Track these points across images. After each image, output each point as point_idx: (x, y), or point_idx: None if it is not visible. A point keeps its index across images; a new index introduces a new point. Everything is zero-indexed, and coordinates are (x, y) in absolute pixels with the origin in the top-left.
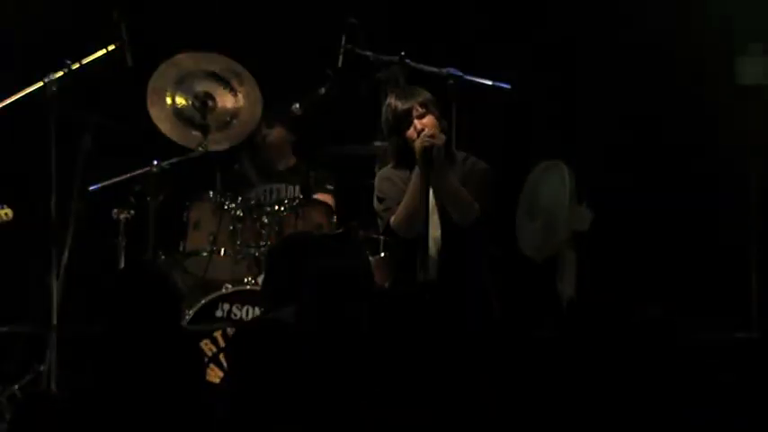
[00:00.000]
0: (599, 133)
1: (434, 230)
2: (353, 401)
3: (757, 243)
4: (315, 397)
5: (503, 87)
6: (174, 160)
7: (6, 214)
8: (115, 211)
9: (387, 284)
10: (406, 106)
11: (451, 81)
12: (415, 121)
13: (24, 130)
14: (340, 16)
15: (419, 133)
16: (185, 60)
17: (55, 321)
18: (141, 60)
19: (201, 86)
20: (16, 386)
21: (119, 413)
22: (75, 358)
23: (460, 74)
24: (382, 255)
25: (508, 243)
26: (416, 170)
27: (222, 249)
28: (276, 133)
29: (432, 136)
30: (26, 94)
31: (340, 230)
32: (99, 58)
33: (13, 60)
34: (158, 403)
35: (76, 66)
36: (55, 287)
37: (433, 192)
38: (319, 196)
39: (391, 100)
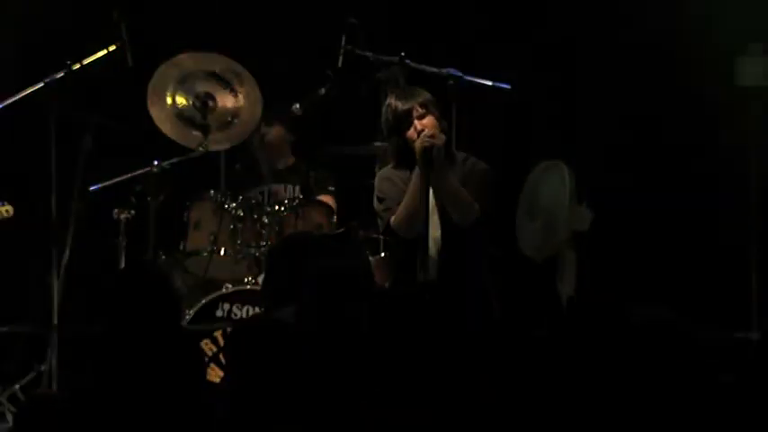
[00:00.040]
0: (599, 133)
1: (434, 230)
2: (353, 401)
3: (757, 243)
4: (315, 397)
5: (503, 87)
6: (174, 160)
7: (7, 211)
8: (116, 211)
9: (387, 284)
10: (406, 107)
11: (451, 81)
12: (416, 122)
13: (25, 131)
14: (340, 16)
15: (419, 134)
16: (186, 60)
17: (55, 321)
18: (141, 60)
19: (202, 86)
20: (17, 386)
21: (119, 413)
22: (76, 358)
23: (460, 74)
24: (382, 255)
25: (508, 243)
26: (416, 170)
27: (222, 249)
28: (275, 132)
29: (432, 136)
30: (27, 94)
31: (340, 230)
32: (99, 58)
33: (14, 60)
34: (158, 403)
35: (77, 66)
36: (55, 287)
37: (433, 192)
38: (322, 198)
39: (391, 100)
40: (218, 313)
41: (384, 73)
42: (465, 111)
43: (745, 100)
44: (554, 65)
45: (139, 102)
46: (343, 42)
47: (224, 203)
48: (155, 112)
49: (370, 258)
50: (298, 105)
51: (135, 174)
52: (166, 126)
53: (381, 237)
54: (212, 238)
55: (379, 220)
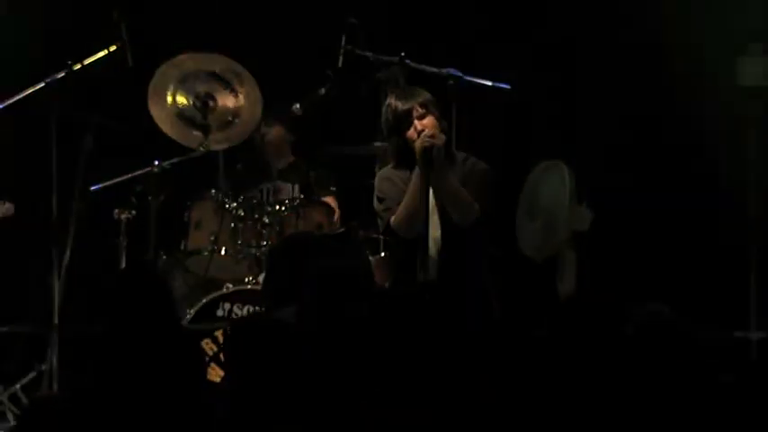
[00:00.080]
0: (599, 133)
1: (434, 230)
2: (353, 401)
3: (757, 243)
4: (315, 397)
5: (503, 87)
6: (175, 160)
7: (8, 209)
8: (116, 210)
9: (387, 284)
10: (406, 107)
11: (451, 81)
12: (416, 122)
13: (26, 131)
14: (340, 16)
15: (419, 134)
16: (186, 61)
17: (56, 321)
18: (142, 61)
19: (202, 86)
20: (18, 385)
21: (119, 413)
22: (76, 358)
23: (460, 74)
24: (382, 255)
25: (508, 243)
26: (416, 170)
27: (223, 249)
28: (275, 132)
29: (432, 136)
30: (28, 94)
31: (341, 230)
32: (100, 58)
33: (15, 61)
34: (159, 403)
35: (78, 66)
36: (56, 287)
37: (433, 192)
38: (324, 198)
39: (391, 100)
40: (219, 313)
41: (384, 73)
42: (465, 111)
43: (745, 100)
44: (554, 65)
45: (140, 102)
46: (343, 42)
47: (225, 203)
48: (155, 112)
49: (370, 258)
50: (298, 105)
51: (136, 174)
52: (167, 126)
53: (381, 237)
54: (213, 237)
55: (379, 220)
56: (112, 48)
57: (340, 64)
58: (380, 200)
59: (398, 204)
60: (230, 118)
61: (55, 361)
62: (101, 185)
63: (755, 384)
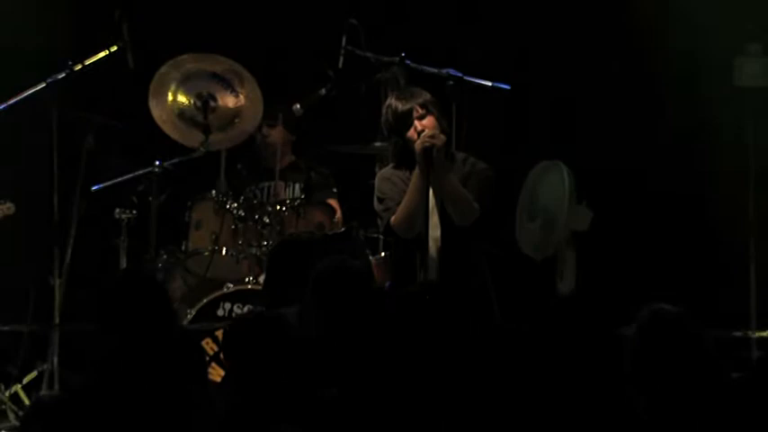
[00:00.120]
0: (599, 133)
1: (434, 230)
2: (354, 401)
3: (757, 242)
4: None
5: (503, 87)
6: (175, 160)
7: (9, 208)
8: (117, 210)
9: (387, 284)
10: (406, 107)
11: (451, 81)
12: (416, 122)
13: (27, 131)
14: (340, 17)
15: (419, 134)
16: (187, 61)
17: (57, 321)
18: (143, 61)
19: (203, 87)
20: (19, 385)
21: (120, 413)
22: (77, 358)
23: (460, 74)
24: (382, 255)
25: (508, 243)
26: (416, 170)
27: (224, 249)
28: (276, 133)
29: (432, 137)
30: (29, 94)
31: (341, 230)
32: (101, 58)
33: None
34: (159, 402)
35: (79, 67)
36: (57, 286)
37: (433, 192)
38: (326, 200)
39: (392, 101)
40: (220, 313)
41: (384, 73)
42: (465, 111)
43: (745, 100)
44: (554, 65)
45: (141, 102)
46: (343, 43)
47: (225, 203)
48: (156, 113)
49: (370, 258)
50: (298, 105)
51: (137, 174)
52: (168, 126)
53: (381, 237)
54: (214, 237)
55: (379, 220)
56: (114, 48)
57: (340, 64)
58: (380, 200)
59: (398, 204)
60: (231, 118)
61: (55, 361)
62: (102, 185)
63: (760, 382)
